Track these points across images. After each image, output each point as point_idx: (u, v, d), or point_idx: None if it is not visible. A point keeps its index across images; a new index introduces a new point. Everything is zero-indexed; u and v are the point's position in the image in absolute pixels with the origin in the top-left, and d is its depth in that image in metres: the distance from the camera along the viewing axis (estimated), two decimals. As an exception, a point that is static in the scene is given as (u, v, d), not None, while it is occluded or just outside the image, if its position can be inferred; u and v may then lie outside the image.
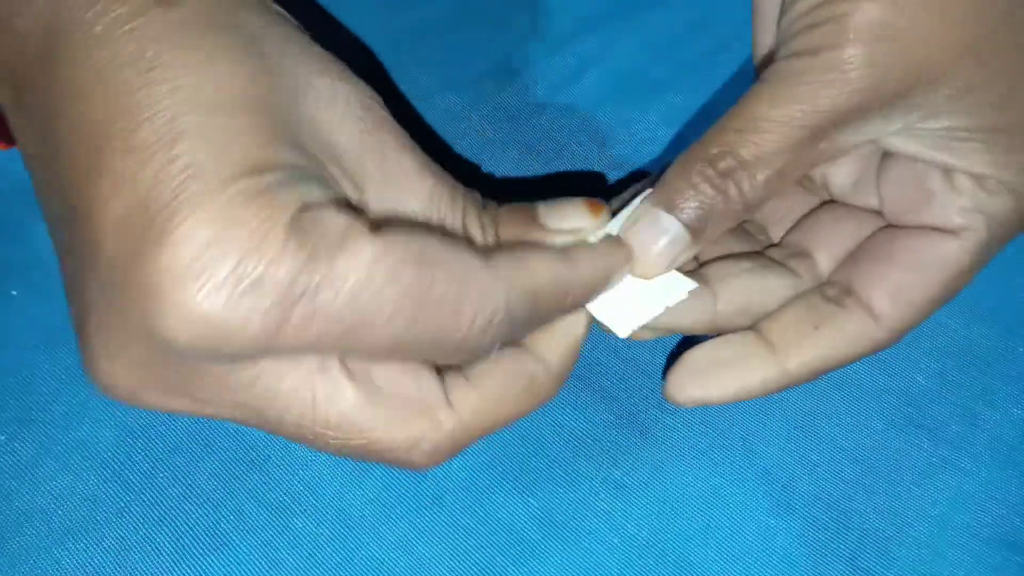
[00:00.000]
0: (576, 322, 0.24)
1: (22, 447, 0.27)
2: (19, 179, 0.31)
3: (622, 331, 0.23)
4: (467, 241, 0.22)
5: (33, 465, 0.26)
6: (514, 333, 0.21)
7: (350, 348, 0.19)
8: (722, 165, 0.22)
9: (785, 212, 0.27)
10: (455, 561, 0.25)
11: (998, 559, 0.25)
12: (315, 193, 0.19)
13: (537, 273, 0.21)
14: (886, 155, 0.25)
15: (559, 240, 0.23)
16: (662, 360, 0.28)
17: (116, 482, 0.26)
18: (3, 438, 0.27)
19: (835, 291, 0.25)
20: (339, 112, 0.20)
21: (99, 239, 0.18)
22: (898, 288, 0.24)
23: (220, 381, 0.19)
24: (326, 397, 0.20)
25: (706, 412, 0.28)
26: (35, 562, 0.25)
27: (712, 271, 0.25)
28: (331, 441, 0.21)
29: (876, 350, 0.24)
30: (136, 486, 0.26)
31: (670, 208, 0.23)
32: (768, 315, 0.25)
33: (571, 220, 0.23)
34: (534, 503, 0.26)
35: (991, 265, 0.29)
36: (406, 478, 0.27)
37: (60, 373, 0.28)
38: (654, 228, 0.23)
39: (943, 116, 0.22)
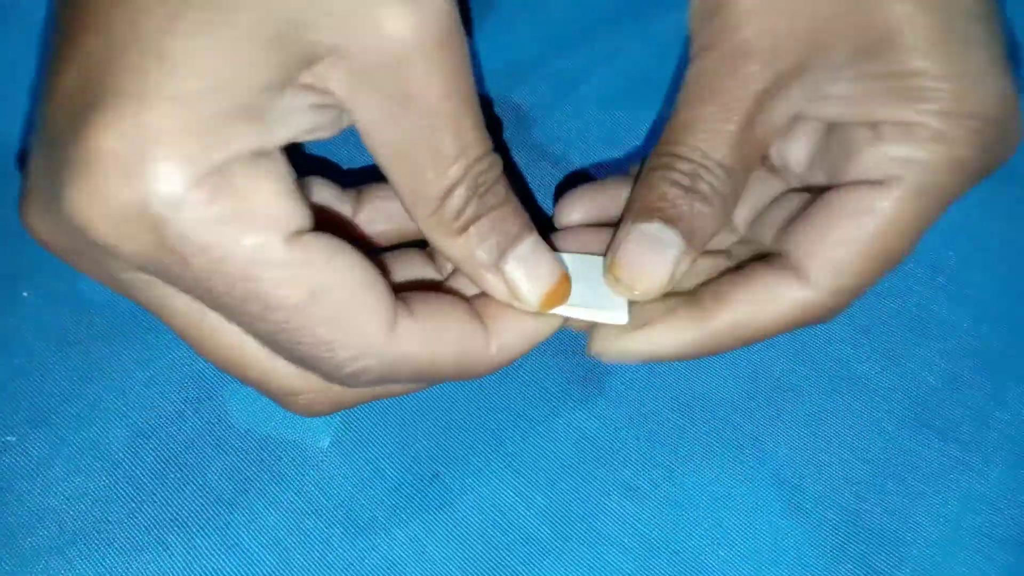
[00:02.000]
0: (544, 327, 0.23)
1: (33, 448, 0.27)
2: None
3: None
4: (385, 282, 0.21)
5: (44, 466, 0.26)
6: (393, 383, 0.22)
7: (218, 313, 0.20)
8: (683, 167, 0.22)
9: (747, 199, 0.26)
10: (466, 562, 0.25)
11: (1011, 560, 0.25)
12: (279, 131, 0.18)
13: (442, 349, 0.21)
14: (828, 128, 0.24)
15: (497, 293, 0.22)
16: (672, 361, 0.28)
17: (127, 483, 0.26)
18: (14, 439, 0.27)
19: (770, 256, 0.24)
20: (372, 38, 0.18)
21: (52, 89, 0.18)
22: (821, 244, 0.22)
23: (111, 272, 0.20)
24: (214, 326, 0.21)
25: (716, 413, 0.28)
26: (47, 563, 0.25)
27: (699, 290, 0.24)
28: (213, 361, 0.21)
29: (811, 314, 0.23)
30: (147, 486, 0.26)
31: (650, 219, 0.22)
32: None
33: (526, 286, 0.22)
34: (545, 504, 0.26)
35: (1001, 265, 0.30)
36: (418, 479, 0.27)
37: (71, 374, 0.28)
38: (651, 243, 0.22)
39: (854, 71, 0.22)
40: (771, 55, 0.22)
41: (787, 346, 0.29)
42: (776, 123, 0.23)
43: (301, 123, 0.19)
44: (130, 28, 0.17)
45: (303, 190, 0.20)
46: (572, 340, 0.29)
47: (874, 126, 0.22)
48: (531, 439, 0.27)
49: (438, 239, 0.21)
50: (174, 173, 0.17)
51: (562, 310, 0.23)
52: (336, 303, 0.19)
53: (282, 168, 0.19)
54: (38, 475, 0.26)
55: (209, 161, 0.17)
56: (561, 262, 0.23)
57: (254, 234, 0.18)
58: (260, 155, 0.18)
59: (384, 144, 0.20)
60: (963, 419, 0.27)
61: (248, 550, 0.25)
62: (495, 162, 0.21)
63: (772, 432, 0.27)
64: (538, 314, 0.23)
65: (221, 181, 0.18)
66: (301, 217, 0.19)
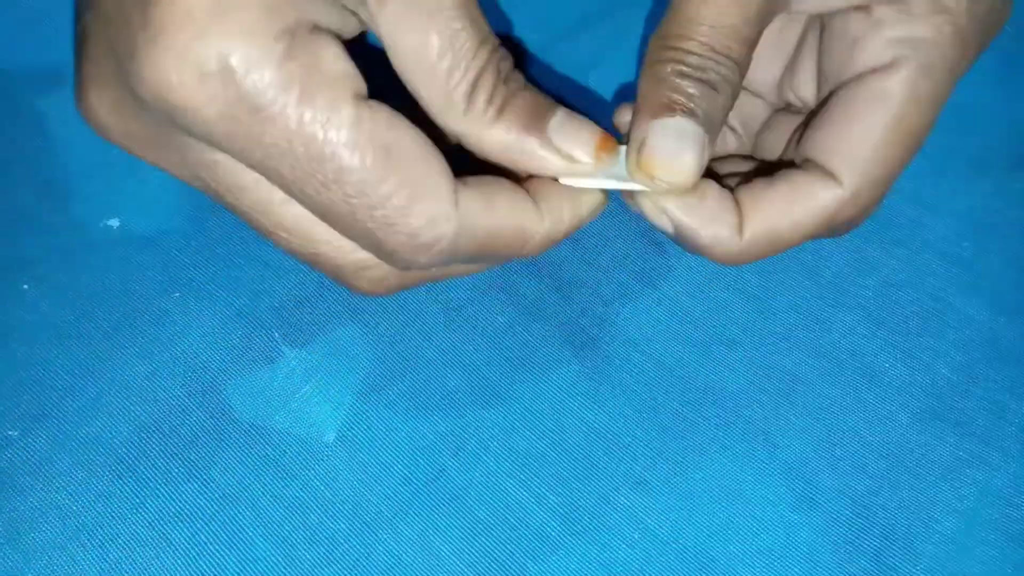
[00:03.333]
0: (589, 203, 0.23)
1: (36, 442, 0.26)
2: (29, 173, 0.31)
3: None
4: (442, 152, 0.21)
5: (47, 461, 0.26)
6: (455, 261, 0.21)
7: (288, 188, 0.20)
8: (692, 60, 0.22)
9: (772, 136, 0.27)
10: (473, 557, 0.25)
11: (1027, 555, 0.25)
12: (325, 18, 0.19)
13: (500, 218, 0.21)
14: (828, 37, 0.24)
15: (551, 165, 0.22)
16: (682, 354, 0.28)
17: (131, 478, 0.26)
18: (16, 433, 0.26)
19: (796, 161, 0.24)
20: None
21: None
22: (841, 140, 0.23)
23: (181, 151, 0.20)
24: (284, 199, 0.20)
25: (727, 406, 0.27)
26: (50, 558, 0.25)
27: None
28: (282, 241, 0.21)
29: (845, 212, 0.23)
30: (151, 482, 0.26)
31: (671, 114, 0.22)
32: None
33: (576, 149, 0.22)
34: (553, 499, 0.26)
35: (1017, 255, 0.29)
36: (425, 474, 0.26)
37: (73, 368, 0.27)
38: (675, 136, 0.22)
39: None
40: None
41: (799, 337, 0.28)
42: (777, 8, 0.23)
43: (334, 19, 0.20)
44: None
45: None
46: (580, 333, 0.28)
47: (868, 11, 0.23)
48: (539, 433, 0.27)
49: (478, 135, 0.21)
50: (253, 29, 0.17)
51: (601, 183, 0.23)
52: (407, 164, 0.19)
53: (338, 41, 0.19)
54: (41, 470, 0.26)
55: (283, 21, 0.18)
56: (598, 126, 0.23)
57: (328, 90, 0.18)
58: (320, 27, 0.19)
59: (409, 52, 0.20)
60: (979, 412, 0.27)
61: (253, 545, 0.25)
62: (507, 54, 0.22)
63: (783, 425, 0.27)
64: (582, 190, 0.23)
65: (293, 42, 0.18)
66: (362, 82, 0.19)
